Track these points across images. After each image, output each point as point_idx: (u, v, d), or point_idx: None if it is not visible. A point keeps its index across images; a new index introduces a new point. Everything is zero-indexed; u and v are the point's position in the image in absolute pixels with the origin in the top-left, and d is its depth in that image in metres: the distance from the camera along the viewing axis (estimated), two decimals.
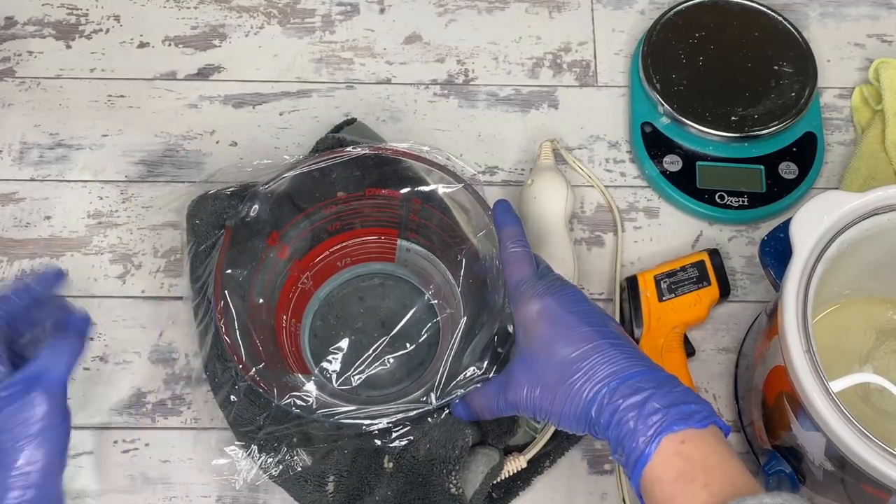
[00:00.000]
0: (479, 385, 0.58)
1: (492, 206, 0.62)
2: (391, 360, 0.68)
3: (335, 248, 0.70)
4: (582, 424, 0.53)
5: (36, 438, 0.52)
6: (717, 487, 0.48)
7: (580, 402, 0.52)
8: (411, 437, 0.59)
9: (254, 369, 0.59)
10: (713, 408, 0.52)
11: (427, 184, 0.66)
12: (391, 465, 0.60)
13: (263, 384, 0.58)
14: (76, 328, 0.57)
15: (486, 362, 0.58)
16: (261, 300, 0.65)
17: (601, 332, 0.54)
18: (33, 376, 0.53)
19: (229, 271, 0.62)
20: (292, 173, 0.64)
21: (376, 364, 0.68)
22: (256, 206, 0.63)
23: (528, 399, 0.54)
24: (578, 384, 0.52)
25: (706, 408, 0.51)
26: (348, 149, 0.65)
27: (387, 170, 0.65)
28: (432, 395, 0.58)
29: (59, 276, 0.59)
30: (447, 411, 0.60)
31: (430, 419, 0.60)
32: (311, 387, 0.61)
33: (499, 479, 0.63)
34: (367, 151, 0.65)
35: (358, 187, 0.66)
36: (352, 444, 0.60)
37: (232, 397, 0.63)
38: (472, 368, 0.58)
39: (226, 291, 0.60)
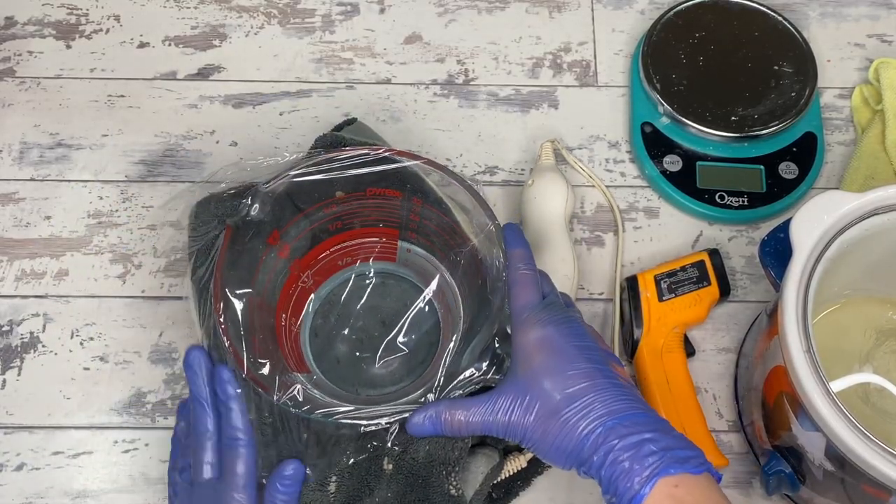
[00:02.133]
0: (460, 396, 0.58)
1: (503, 227, 0.62)
2: (391, 360, 0.68)
3: (336, 247, 0.70)
4: (571, 460, 0.53)
5: None
6: None
7: (574, 438, 0.52)
8: (409, 441, 0.59)
9: (253, 368, 0.59)
10: (705, 455, 0.52)
11: (427, 184, 0.66)
12: (391, 466, 0.60)
13: (263, 383, 0.58)
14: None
15: (485, 363, 0.58)
16: (261, 299, 0.65)
17: (601, 370, 0.54)
18: None
19: (230, 270, 0.62)
20: (294, 171, 0.64)
21: (377, 363, 0.68)
22: (257, 206, 0.63)
23: (518, 424, 0.54)
24: (574, 419, 0.52)
25: (700, 454, 0.51)
26: (346, 148, 0.65)
27: (386, 170, 0.65)
28: (431, 396, 0.58)
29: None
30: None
31: None
32: (310, 386, 0.61)
33: (499, 479, 0.63)
34: (368, 152, 0.65)
35: (357, 187, 0.66)
36: (352, 446, 0.60)
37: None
38: (471, 370, 0.58)
39: (226, 290, 0.60)
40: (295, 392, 0.58)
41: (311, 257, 0.69)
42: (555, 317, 0.56)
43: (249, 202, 0.63)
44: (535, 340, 0.55)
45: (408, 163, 0.64)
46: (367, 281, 0.72)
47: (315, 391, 0.61)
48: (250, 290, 0.62)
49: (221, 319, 0.59)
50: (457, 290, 0.68)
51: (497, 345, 0.59)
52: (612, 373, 0.54)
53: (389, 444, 0.58)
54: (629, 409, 0.52)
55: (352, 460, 0.59)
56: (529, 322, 0.56)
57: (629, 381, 0.56)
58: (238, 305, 0.60)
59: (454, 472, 0.58)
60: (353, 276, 0.72)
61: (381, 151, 0.64)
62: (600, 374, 0.54)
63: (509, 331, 0.58)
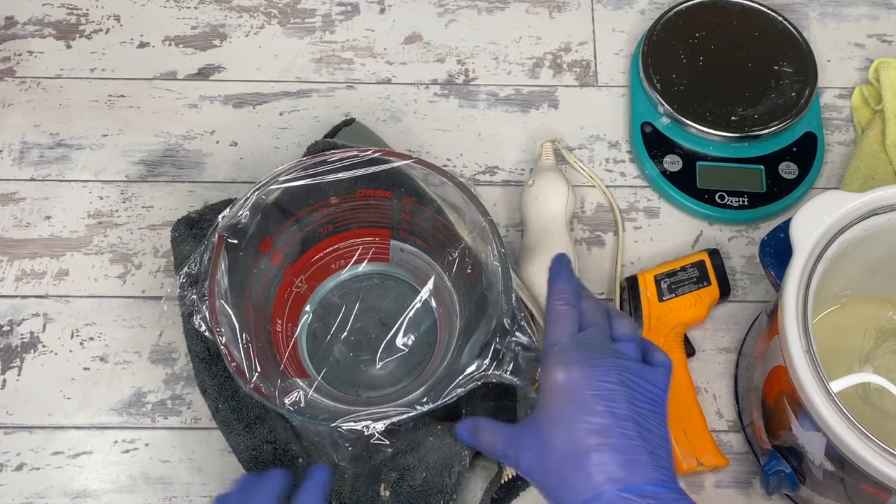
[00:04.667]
0: (486, 417, 0.57)
1: (552, 258, 0.59)
2: (390, 361, 0.68)
3: (328, 250, 0.70)
4: None
5: None
6: None
7: (578, 499, 0.50)
8: (406, 467, 0.59)
9: (256, 378, 0.58)
10: None
11: (418, 183, 0.65)
12: (388, 493, 0.59)
13: (263, 391, 0.58)
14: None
15: (486, 360, 0.58)
16: (256, 307, 0.64)
17: (620, 425, 0.50)
18: None
19: (223, 280, 0.61)
20: (283, 177, 0.63)
21: (377, 365, 0.68)
22: (248, 213, 0.63)
23: (528, 467, 0.53)
24: (572, 479, 0.50)
25: None
26: (334, 151, 0.64)
27: (376, 171, 0.65)
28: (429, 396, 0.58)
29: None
30: (449, 434, 0.59)
31: (430, 438, 0.59)
32: (311, 391, 0.60)
33: (500, 482, 0.63)
34: (356, 154, 0.64)
35: (347, 190, 0.66)
36: (353, 465, 0.60)
37: (219, 405, 0.64)
38: (471, 367, 0.58)
39: (221, 301, 0.60)
40: (296, 398, 0.58)
41: (304, 262, 0.69)
42: (582, 356, 0.53)
43: (240, 210, 0.62)
44: (554, 382, 0.53)
45: (397, 163, 0.63)
46: (362, 283, 0.72)
47: (316, 396, 0.61)
48: (244, 298, 0.61)
49: (218, 330, 0.59)
50: (452, 288, 0.68)
51: (496, 340, 0.59)
52: (634, 423, 0.51)
53: (396, 445, 0.58)
54: (632, 478, 0.49)
55: (351, 486, 0.59)
56: (554, 360, 0.53)
57: (658, 431, 0.52)
58: (234, 315, 0.60)
59: (452, 501, 0.58)
60: (348, 278, 0.72)
61: (369, 152, 0.64)
62: (614, 432, 0.50)
63: (507, 325, 0.58)
